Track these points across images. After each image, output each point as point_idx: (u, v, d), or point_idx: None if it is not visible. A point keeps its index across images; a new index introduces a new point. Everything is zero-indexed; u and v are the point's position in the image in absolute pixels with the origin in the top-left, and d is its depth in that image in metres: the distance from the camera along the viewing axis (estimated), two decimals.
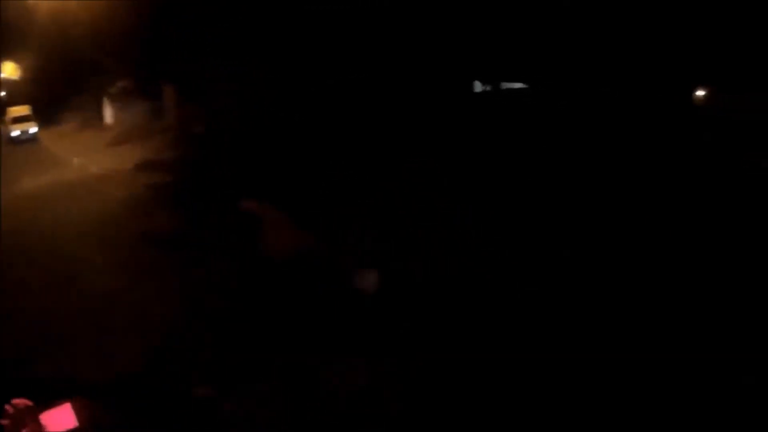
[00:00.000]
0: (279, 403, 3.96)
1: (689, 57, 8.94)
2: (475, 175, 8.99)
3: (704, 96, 8.92)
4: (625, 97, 9.95)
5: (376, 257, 6.36)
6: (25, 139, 25.53)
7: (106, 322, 5.73)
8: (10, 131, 25.90)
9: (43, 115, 27.59)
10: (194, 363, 4.40)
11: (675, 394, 3.97)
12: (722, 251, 5.83)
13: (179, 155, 14.43)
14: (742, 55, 8.35)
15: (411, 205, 7.92)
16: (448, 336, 4.80)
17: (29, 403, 1.96)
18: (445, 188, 8.20)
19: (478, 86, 14.46)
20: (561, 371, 4.22)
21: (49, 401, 1.95)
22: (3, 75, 26.72)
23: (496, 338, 4.74)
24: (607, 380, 4.13)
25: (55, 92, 26.73)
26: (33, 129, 26.73)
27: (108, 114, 25.50)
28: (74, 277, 7.02)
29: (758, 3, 8.18)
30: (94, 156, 17.56)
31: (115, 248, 7.82)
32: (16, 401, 1.96)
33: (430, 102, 13.34)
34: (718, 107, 8.68)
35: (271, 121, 13.43)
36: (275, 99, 13.95)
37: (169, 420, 2.06)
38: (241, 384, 4.18)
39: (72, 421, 1.93)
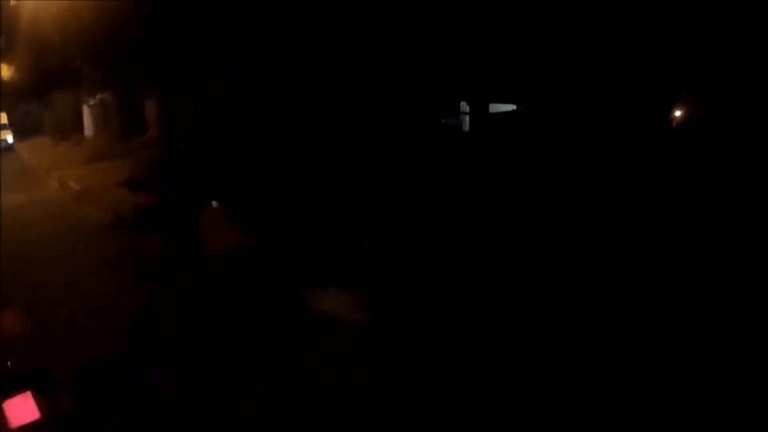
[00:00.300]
0: (279, 403, 3.94)
1: (689, 57, 8.99)
2: (475, 175, 9.04)
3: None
4: (625, 97, 9.94)
5: (377, 257, 6.44)
6: (2, 149, 24.96)
7: (77, 317, 5.78)
8: None
9: (19, 124, 27.13)
10: (193, 363, 4.37)
11: (675, 394, 3.97)
12: (722, 251, 5.82)
13: (162, 174, 13.93)
14: (742, 55, 8.40)
15: (411, 205, 7.96)
16: (448, 336, 4.80)
17: None
18: (445, 188, 8.26)
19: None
20: (561, 371, 4.21)
21: (10, 390, 1.88)
22: None
23: (496, 338, 4.74)
24: (607, 380, 4.12)
25: (32, 101, 26.39)
26: (9, 138, 26.11)
27: (87, 126, 25.17)
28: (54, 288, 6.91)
29: (758, 3, 8.27)
30: (74, 171, 16.98)
31: (100, 267, 7.54)
32: None
33: (429, 103, 13.67)
34: (718, 107, 8.71)
35: (263, 132, 13.31)
36: (266, 110, 13.79)
37: (136, 413, 2.02)
38: (241, 384, 4.16)
39: (33, 411, 1.87)
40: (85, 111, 24.86)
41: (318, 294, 5.47)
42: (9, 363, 2.16)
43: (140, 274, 6.83)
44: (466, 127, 15.04)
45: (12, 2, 21.39)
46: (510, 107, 14.21)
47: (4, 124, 26.53)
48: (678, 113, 9.48)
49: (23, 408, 1.86)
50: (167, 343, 4.89)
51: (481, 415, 3.91)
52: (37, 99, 26.46)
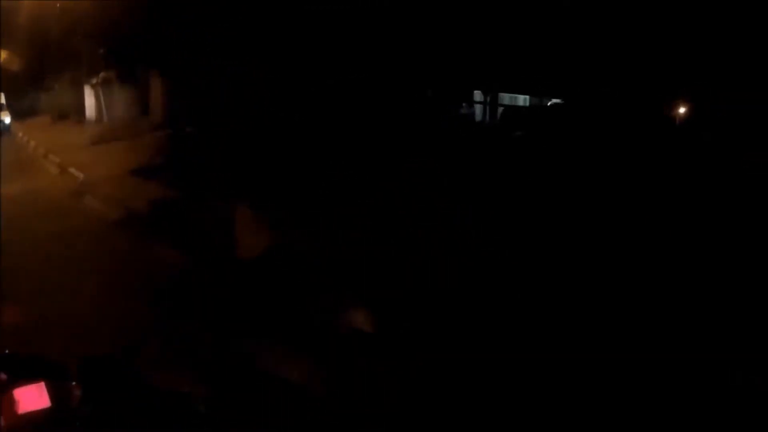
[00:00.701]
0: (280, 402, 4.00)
1: (690, 57, 9.15)
2: (475, 177, 9.21)
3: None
4: (625, 97, 10.35)
5: (375, 257, 6.53)
6: None
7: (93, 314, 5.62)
8: None
9: (18, 104, 26.54)
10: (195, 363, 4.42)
11: (674, 394, 4.10)
12: (722, 250, 6.04)
13: (172, 159, 13.27)
14: (743, 55, 8.58)
15: (410, 205, 8.03)
16: (447, 336, 4.93)
17: (2, 377, 1.96)
18: (445, 188, 8.37)
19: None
20: (561, 371, 4.34)
21: (23, 378, 1.93)
22: None
23: (496, 338, 4.87)
24: (606, 380, 4.25)
25: (31, 79, 25.83)
26: (6, 119, 25.47)
27: (89, 106, 24.67)
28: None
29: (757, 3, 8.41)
30: (76, 155, 15.82)
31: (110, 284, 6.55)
32: None
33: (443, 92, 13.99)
34: (718, 107, 8.91)
35: (268, 120, 13.31)
36: (273, 97, 13.78)
37: (150, 409, 1.99)
38: (241, 382, 4.24)
39: (45, 400, 1.91)
40: (87, 91, 24.34)
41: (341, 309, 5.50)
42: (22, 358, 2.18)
43: (159, 294, 6.14)
44: (479, 116, 15.48)
45: None
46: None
47: (1, 104, 25.70)
48: (677, 113, 9.78)
49: (35, 396, 1.91)
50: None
51: (480, 415, 4.00)
52: (36, 78, 25.85)
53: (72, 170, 14.44)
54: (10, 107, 25.81)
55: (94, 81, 24.16)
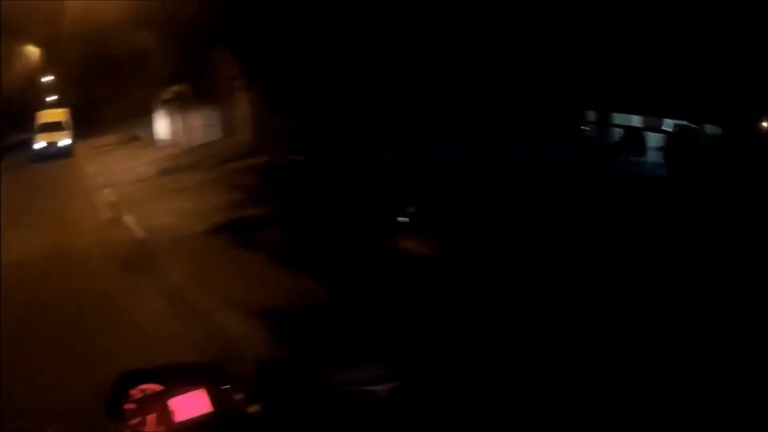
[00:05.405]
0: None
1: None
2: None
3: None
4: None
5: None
6: (53, 154, 20.74)
7: None
8: (35, 142, 21.12)
9: (81, 122, 23.21)
10: None
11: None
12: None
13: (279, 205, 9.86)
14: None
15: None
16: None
17: (157, 387, 2.10)
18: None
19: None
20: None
21: (179, 386, 2.00)
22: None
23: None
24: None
25: (96, 94, 22.59)
26: (65, 141, 22.03)
27: (161, 125, 21.24)
28: None
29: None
30: (137, 192, 13.09)
31: None
32: (143, 386, 2.10)
33: None
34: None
35: None
36: None
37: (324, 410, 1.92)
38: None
39: (206, 405, 2.01)
40: (158, 108, 20.92)
41: None
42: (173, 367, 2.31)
43: None
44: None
45: None
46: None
47: (56, 123, 22.42)
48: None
49: (194, 404, 1.95)
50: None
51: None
52: (104, 93, 22.72)
53: (128, 220, 11.46)
54: (78, 125, 22.39)
55: (166, 97, 20.79)
